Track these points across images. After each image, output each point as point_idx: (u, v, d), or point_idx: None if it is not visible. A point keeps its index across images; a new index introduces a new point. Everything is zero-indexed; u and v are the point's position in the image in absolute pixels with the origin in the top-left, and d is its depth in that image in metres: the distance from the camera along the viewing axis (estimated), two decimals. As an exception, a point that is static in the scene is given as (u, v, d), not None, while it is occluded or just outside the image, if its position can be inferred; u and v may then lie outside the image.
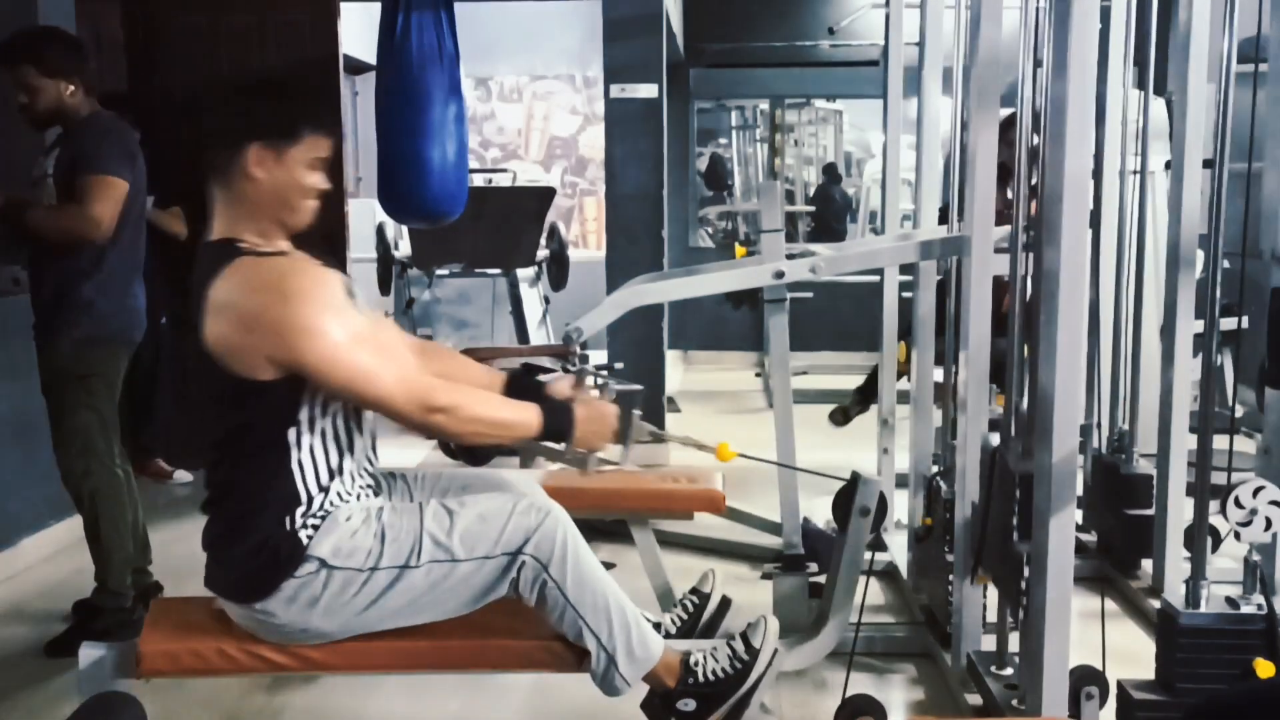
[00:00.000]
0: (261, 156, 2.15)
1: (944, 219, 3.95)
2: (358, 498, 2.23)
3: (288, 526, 2.14)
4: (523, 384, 2.47)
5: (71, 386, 3.33)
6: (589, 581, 2.19)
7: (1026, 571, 2.34)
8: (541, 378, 2.52)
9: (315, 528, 2.15)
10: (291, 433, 2.14)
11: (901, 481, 3.81)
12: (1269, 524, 2.31)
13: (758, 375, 8.13)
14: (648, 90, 5.57)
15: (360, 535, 2.15)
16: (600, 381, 2.41)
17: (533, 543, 2.16)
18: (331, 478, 2.19)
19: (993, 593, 2.85)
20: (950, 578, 2.99)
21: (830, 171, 9.60)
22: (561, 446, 2.30)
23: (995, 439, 2.70)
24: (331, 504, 2.18)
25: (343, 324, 2.09)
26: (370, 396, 2.12)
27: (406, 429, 2.20)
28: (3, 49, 3.30)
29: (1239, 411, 4.76)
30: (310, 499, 2.16)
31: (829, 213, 9.41)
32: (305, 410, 2.15)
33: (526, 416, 2.23)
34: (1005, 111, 2.83)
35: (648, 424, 2.52)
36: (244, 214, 2.19)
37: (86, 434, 3.34)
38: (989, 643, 2.83)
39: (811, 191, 9.67)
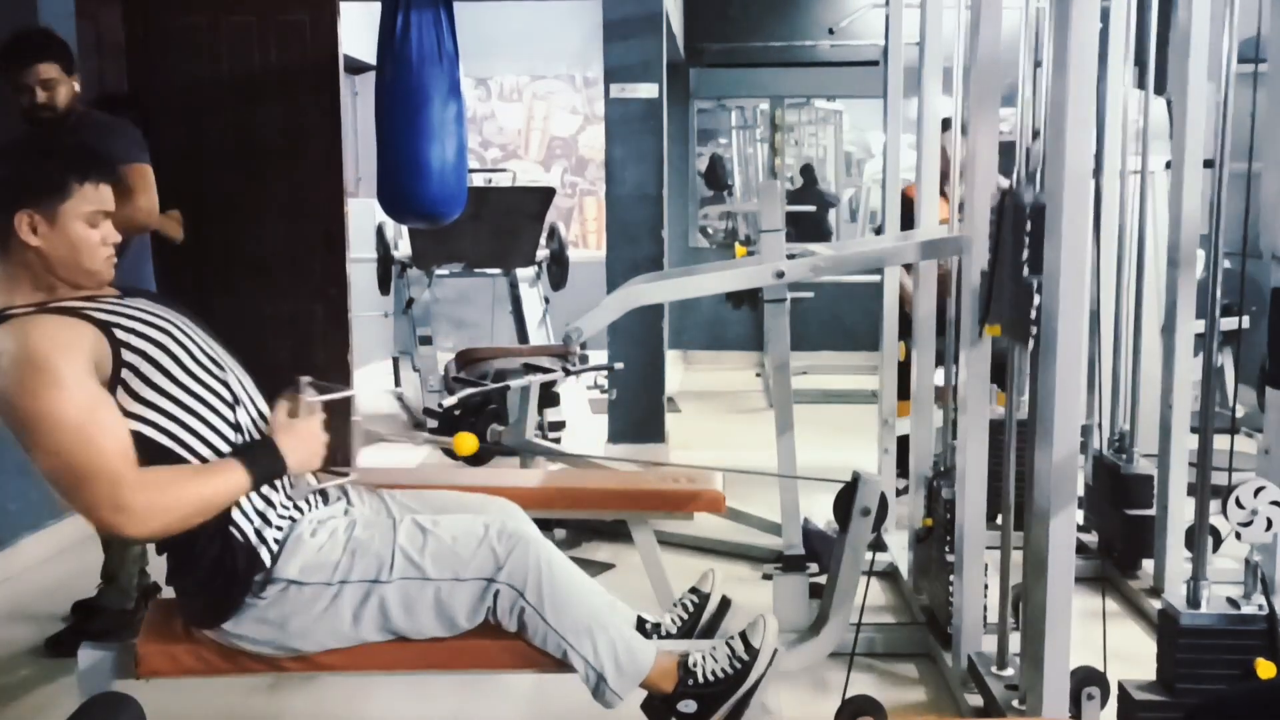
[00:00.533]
0: (32, 221, 2.05)
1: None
2: (304, 501, 2.20)
3: (238, 538, 2.09)
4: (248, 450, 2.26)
5: None
6: (568, 604, 2.17)
7: (1037, 300, 2.28)
8: (274, 410, 2.29)
9: (279, 541, 2.12)
10: (168, 451, 2.06)
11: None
12: (1270, 524, 2.30)
13: (758, 375, 8.13)
14: (648, 90, 5.56)
15: (327, 550, 2.13)
16: (304, 392, 2.27)
17: (505, 570, 2.14)
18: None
19: (994, 593, 2.85)
20: (950, 578, 2.99)
21: (808, 173, 9.60)
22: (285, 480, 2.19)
23: (1004, 181, 2.64)
24: (282, 511, 2.15)
25: (56, 412, 1.94)
26: (70, 492, 1.97)
27: (94, 524, 2.03)
28: (33, 45, 3.26)
29: (1240, 411, 4.76)
30: (245, 503, 2.11)
31: (809, 215, 9.39)
32: (153, 430, 2.04)
33: (228, 478, 2.06)
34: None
35: (371, 428, 2.45)
36: (26, 281, 2.09)
37: None
38: (989, 643, 2.83)
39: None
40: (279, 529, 2.14)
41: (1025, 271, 2.39)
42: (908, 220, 3.91)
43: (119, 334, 2.06)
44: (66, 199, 2.07)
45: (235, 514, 2.10)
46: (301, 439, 2.17)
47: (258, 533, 2.11)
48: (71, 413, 1.95)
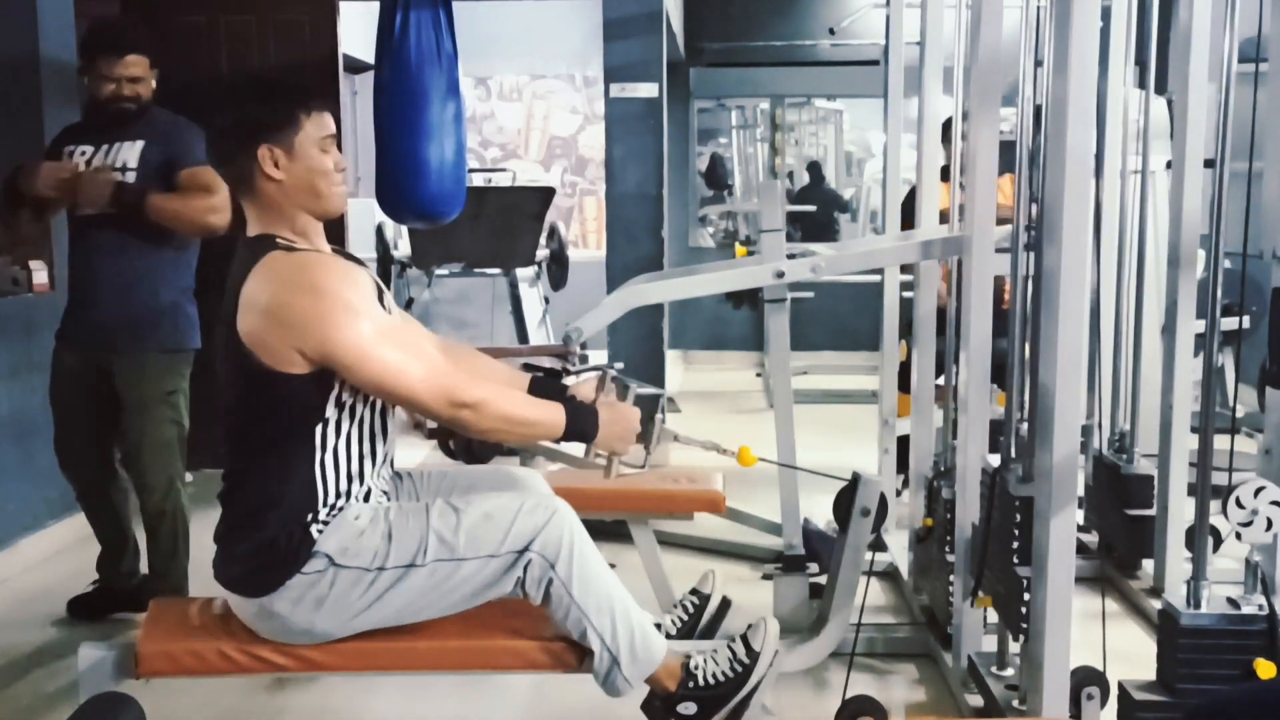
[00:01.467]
0: (273, 155, 2.16)
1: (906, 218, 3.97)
2: (369, 499, 2.24)
3: (303, 524, 2.14)
4: (546, 385, 2.46)
5: (159, 401, 3.26)
6: (594, 581, 2.19)
7: (1027, 596, 2.35)
8: (566, 380, 2.52)
9: (326, 522, 2.16)
10: (318, 432, 2.15)
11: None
12: (1270, 524, 2.30)
13: (758, 375, 8.13)
14: (648, 90, 5.57)
15: (368, 535, 2.15)
16: (622, 385, 2.40)
17: (539, 541, 2.16)
18: (351, 482, 2.20)
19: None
20: (950, 578, 2.99)
21: (815, 170, 9.61)
22: (583, 449, 2.30)
23: (995, 461, 2.70)
24: (342, 505, 2.19)
25: (371, 319, 2.11)
26: (398, 390, 2.12)
27: (434, 421, 2.22)
28: (126, 39, 3.25)
29: (1240, 411, 4.76)
30: (328, 500, 2.17)
31: (818, 212, 9.40)
32: (334, 410, 2.16)
33: (552, 416, 2.24)
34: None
35: (670, 428, 2.51)
36: (275, 214, 2.20)
37: (171, 450, 3.30)
38: (989, 643, 2.83)
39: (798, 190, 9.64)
40: (338, 510, 2.17)
41: (1015, 561, 2.46)
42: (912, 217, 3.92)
43: (380, 285, 2.25)
44: (299, 130, 2.17)
45: (320, 494, 2.16)
46: (618, 419, 2.29)
47: (317, 518, 2.15)
48: (391, 325, 2.18)
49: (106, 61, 3.20)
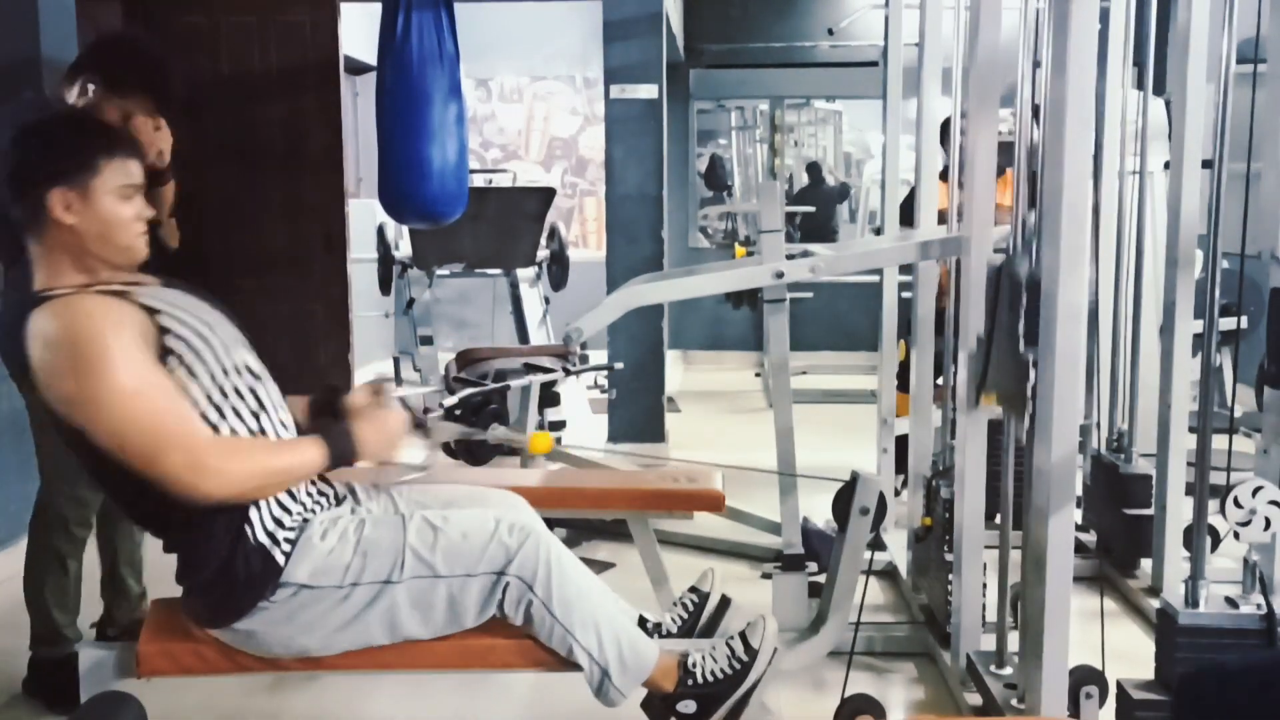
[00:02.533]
0: (65, 199, 2.07)
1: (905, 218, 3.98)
2: (322, 506, 2.20)
3: (251, 539, 2.08)
4: (324, 403, 2.38)
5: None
6: (576, 598, 2.17)
7: (1033, 377, 2.31)
8: (345, 396, 2.40)
9: (291, 542, 2.11)
10: None
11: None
12: (1268, 524, 2.31)
13: (758, 375, 8.13)
14: (648, 91, 5.57)
15: (337, 552, 2.12)
16: (391, 386, 2.34)
17: (516, 563, 2.14)
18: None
19: (992, 592, 2.86)
20: (950, 577, 2.99)
21: (814, 171, 9.61)
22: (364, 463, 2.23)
23: (999, 259, 2.66)
24: (296, 515, 2.15)
25: (125, 368, 1.97)
26: (138, 450, 1.98)
27: (176, 495, 2.00)
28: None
29: (1238, 411, 4.76)
30: (260, 504, 2.11)
31: (817, 212, 9.41)
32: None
33: (306, 454, 2.12)
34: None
35: (451, 424, 2.48)
36: (64, 261, 2.10)
37: None
38: (989, 642, 2.83)
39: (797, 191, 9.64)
40: (292, 530, 2.13)
41: (1022, 345, 2.42)
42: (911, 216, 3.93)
43: (162, 320, 2.07)
44: (96, 175, 2.08)
45: (251, 512, 2.09)
46: (378, 428, 2.21)
47: (270, 535, 2.10)
48: (133, 385, 1.97)
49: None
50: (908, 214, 3.91)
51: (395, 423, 2.26)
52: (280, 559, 2.10)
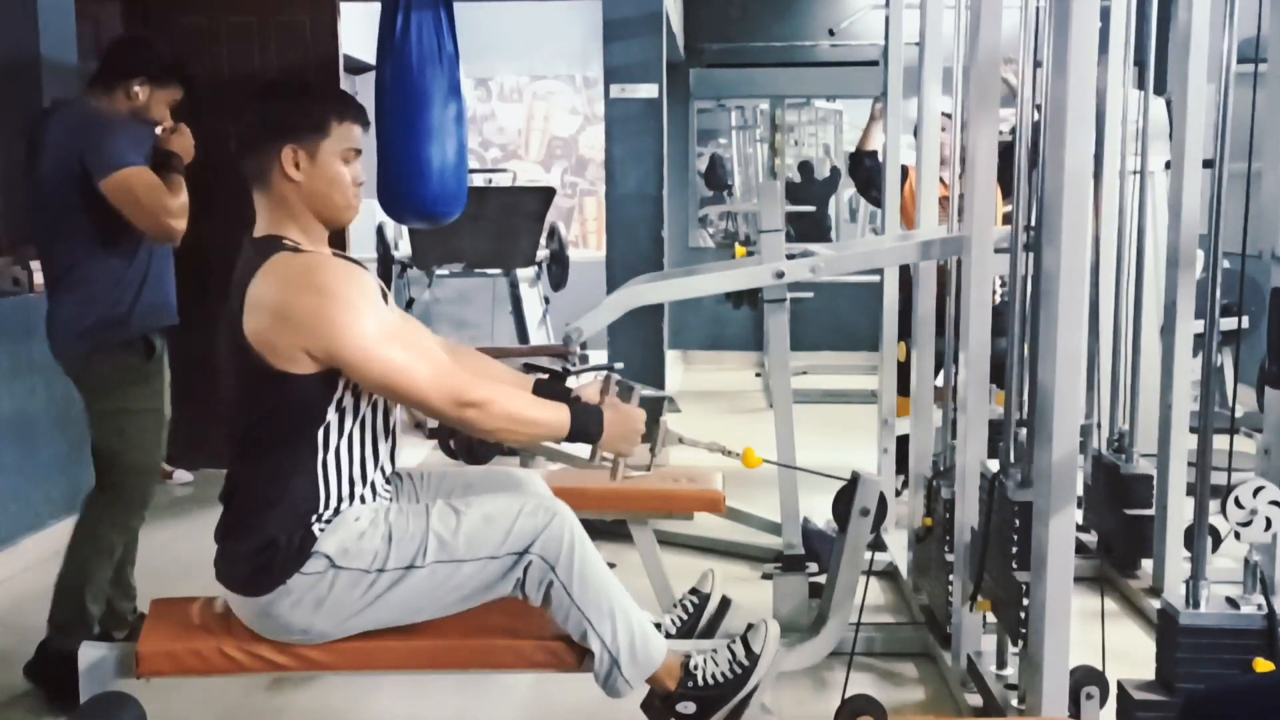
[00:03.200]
0: (295, 156, 2.17)
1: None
2: (371, 500, 2.25)
3: (304, 525, 2.14)
4: (551, 387, 2.47)
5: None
6: (595, 583, 2.19)
7: (1026, 602, 2.36)
8: (570, 382, 2.53)
9: (328, 521, 2.17)
10: (320, 433, 2.16)
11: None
12: (1269, 524, 2.31)
13: (758, 375, 8.13)
14: (648, 90, 5.57)
15: (368, 536, 2.15)
16: (626, 387, 2.41)
17: (539, 543, 2.16)
18: (354, 483, 2.21)
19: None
20: (950, 578, 2.99)
21: (805, 169, 9.62)
22: (587, 450, 2.30)
23: (994, 466, 2.70)
24: (344, 506, 2.20)
25: (377, 319, 2.12)
26: (405, 389, 2.13)
27: (440, 420, 2.23)
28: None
29: (1239, 411, 4.76)
30: (330, 501, 2.17)
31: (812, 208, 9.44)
32: (336, 411, 2.16)
33: (557, 417, 2.24)
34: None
35: (675, 429, 2.52)
36: (287, 214, 2.21)
37: None
38: (989, 643, 2.83)
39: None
40: (338, 512, 2.18)
41: (1015, 568, 2.47)
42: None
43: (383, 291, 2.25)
44: (326, 137, 2.18)
45: (320, 483, 2.16)
46: (623, 420, 2.30)
47: (319, 514, 2.15)
48: (396, 324, 2.20)
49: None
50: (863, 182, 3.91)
51: (639, 419, 2.34)
52: (317, 532, 2.15)
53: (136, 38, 3.44)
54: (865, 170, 4.99)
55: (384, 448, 2.27)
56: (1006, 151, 2.86)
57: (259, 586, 2.15)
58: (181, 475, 5.13)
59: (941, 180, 3.80)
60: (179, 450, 4.96)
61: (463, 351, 2.53)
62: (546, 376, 2.55)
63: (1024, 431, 2.59)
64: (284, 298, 2.09)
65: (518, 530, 2.16)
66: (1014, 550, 2.49)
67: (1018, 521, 2.47)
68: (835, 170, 9.55)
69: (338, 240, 5.20)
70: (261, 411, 2.16)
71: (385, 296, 2.25)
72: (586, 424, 2.26)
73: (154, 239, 3.07)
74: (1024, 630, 2.39)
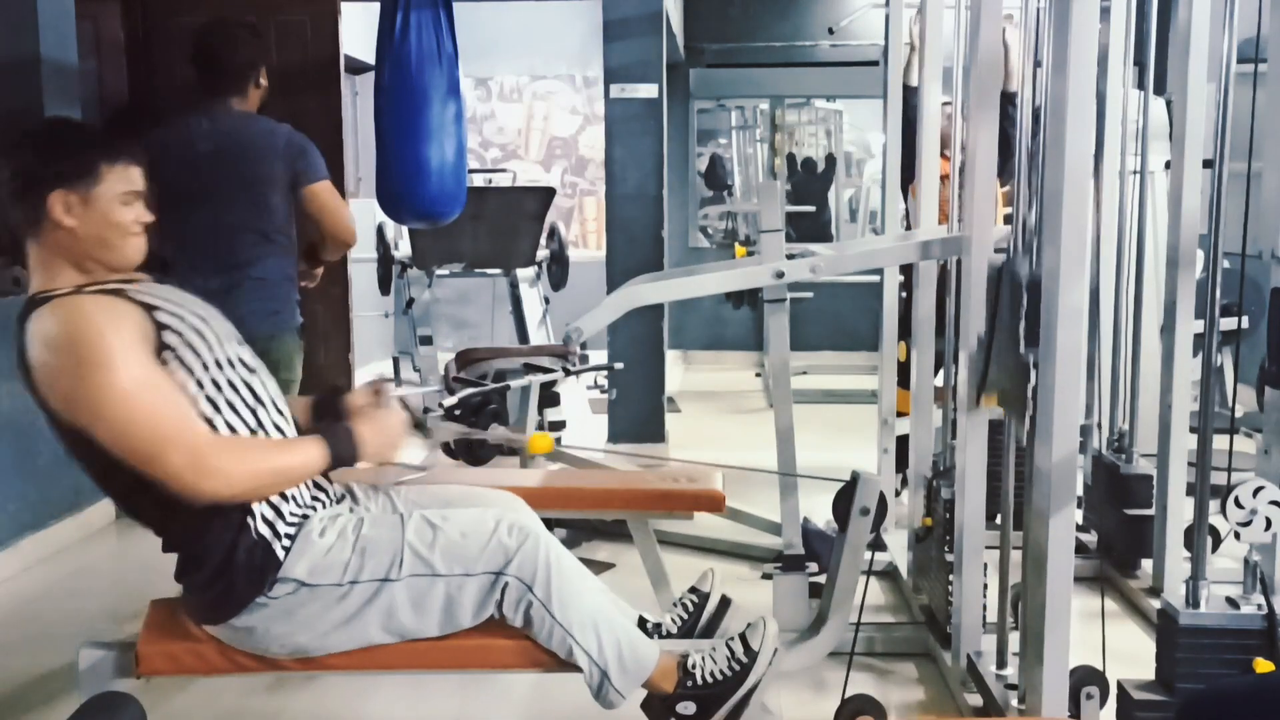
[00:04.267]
0: (67, 203, 2.07)
1: None
2: (323, 504, 2.21)
3: (251, 534, 2.09)
4: (327, 404, 2.41)
5: None
6: (575, 599, 2.17)
7: (1033, 379, 2.31)
8: (354, 393, 2.44)
9: (290, 537, 2.12)
10: None
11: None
12: (1269, 524, 2.31)
13: (758, 375, 8.13)
14: (648, 90, 5.57)
15: (336, 550, 2.12)
16: (391, 387, 2.37)
17: (515, 564, 2.14)
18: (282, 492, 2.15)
19: (993, 593, 2.85)
20: (950, 577, 2.99)
21: (808, 166, 9.62)
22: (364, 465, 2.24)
23: (1000, 259, 2.66)
24: (296, 511, 2.15)
25: (125, 369, 1.97)
26: (141, 449, 1.98)
27: (167, 497, 2.01)
28: None
29: (1239, 411, 4.76)
30: (262, 512, 2.11)
31: (810, 202, 9.42)
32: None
33: (307, 454, 2.13)
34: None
35: (453, 424, 2.49)
36: (64, 263, 2.11)
37: None
38: (989, 642, 2.83)
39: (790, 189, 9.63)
40: (292, 525, 2.14)
41: (1022, 345, 2.42)
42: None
43: (159, 316, 2.08)
44: (99, 181, 2.10)
45: (251, 507, 2.09)
46: (380, 430, 2.22)
47: (271, 527, 2.11)
48: (133, 385, 1.98)
49: None
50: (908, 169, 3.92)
51: (396, 423, 2.27)
52: (280, 553, 2.10)
53: (225, 28, 3.42)
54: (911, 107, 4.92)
55: (287, 428, 2.21)
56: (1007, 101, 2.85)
57: (222, 610, 2.11)
58: None
59: (944, 155, 3.81)
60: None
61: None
62: (324, 396, 2.46)
63: (1034, 215, 2.50)
64: (34, 361, 2.01)
65: (493, 548, 2.14)
66: (1022, 330, 2.42)
67: (1026, 301, 2.40)
68: (831, 159, 9.54)
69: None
70: (119, 466, 2.03)
71: (151, 338, 2.05)
72: (340, 446, 2.15)
73: (333, 246, 3.40)
74: (1032, 414, 2.31)
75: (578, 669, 2.19)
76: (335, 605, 2.12)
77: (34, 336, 2.02)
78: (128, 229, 2.14)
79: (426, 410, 2.50)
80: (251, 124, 3.34)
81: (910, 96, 4.40)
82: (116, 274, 2.16)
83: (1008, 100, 2.89)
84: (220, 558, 2.08)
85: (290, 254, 3.37)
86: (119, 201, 2.12)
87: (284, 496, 2.14)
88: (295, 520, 2.15)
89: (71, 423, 2.02)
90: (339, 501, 2.29)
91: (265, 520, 2.11)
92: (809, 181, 9.52)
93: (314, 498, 2.22)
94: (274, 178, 3.28)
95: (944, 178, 3.85)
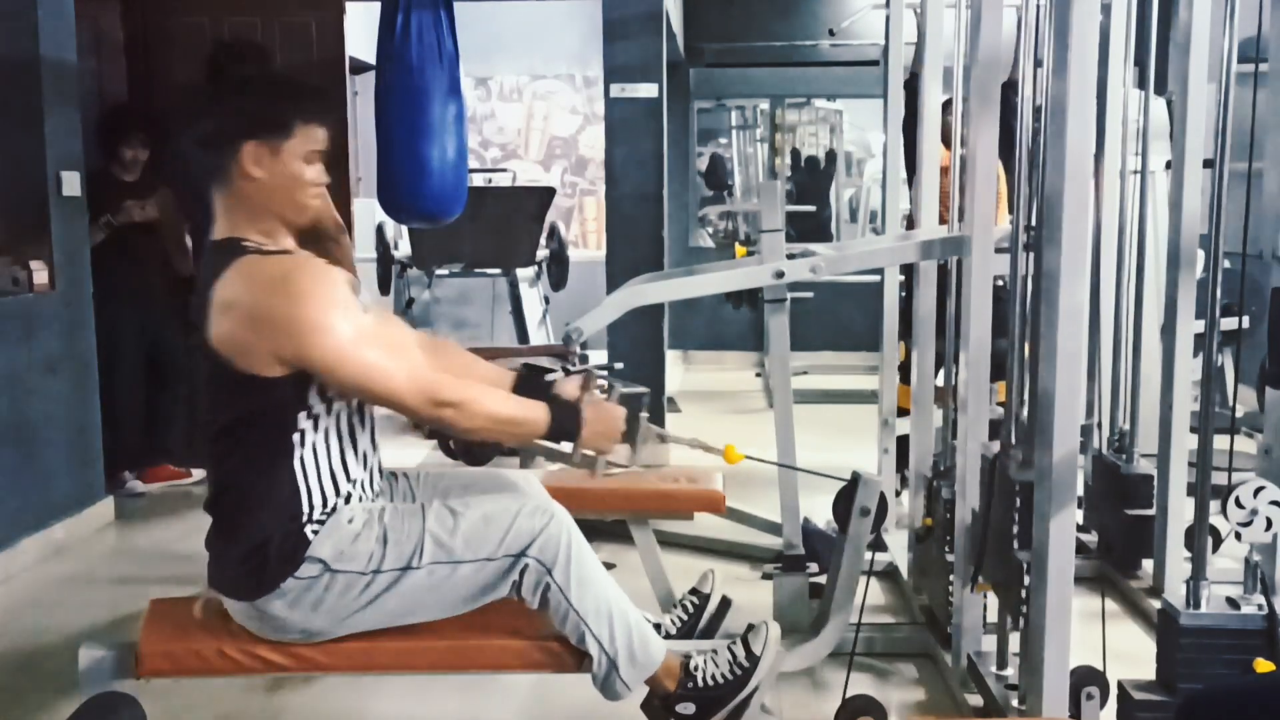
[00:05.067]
0: (257, 154, 2.13)
1: None
2: (360, 499, 2.23)
3: (293, 525, 2.13)
4: (531, 383, 2.46)
5: None
6: (592, 585, 2.18)
7: (1027, 580, 2.35)
8: (549, 378, 2.52)
9: (320, 524, 2.15)
10: (295, 434, 2.14)
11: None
12: (1269, 524, 2.31)
13: (758, 375, 8.13)
14: (648, 90, 5.56)
15: (362, 538, 2.14)
16: (607, 383, 2.41)
17: (537, 545, 2.15)
18: (335, 480, 2.19)
19: (993, 594, 2.85)
20: (950, 578, 2.99)
21: (811, 163, 9.62)
22: (568, 447, 2.30)
23: (995, 447, 2.70)
24: (335, 506, 2.18)
25: (349, 320, 2.09)
26: (379, 391, 2.11)
27: (416, 421, 2.20)
28: None
29: (1239, 411, 4.76)
30: (313, 499, 2.16)
31: (810, 200, 9.42)
32: (310, 410, 2.14)
33: (535, 414, 2.23)
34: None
35: (655, 426, 2.52)
36: (246, 214, 2.16)
37: None
38: (989, 643, 2.83)
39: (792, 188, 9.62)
40: (330, 511, 2.16)
41: (1017, 546, 2.45)
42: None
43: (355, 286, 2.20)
44: (290, 136, 2.15)
45: (308, 500, 2.14)
46: (602, 417, 2.28)
47: (310, 513, 2.14)
48: (373, 330, 2.13)
49: None
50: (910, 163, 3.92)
51: (619, 416, 2.32)
52: (310, 535, 2.13)
53: (251, 46, 4.00)
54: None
55: (362, 441, 2.25)
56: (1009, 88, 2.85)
57: (251, 589, 2.14)
58: (201, 474, 5.09)
59: (945, 143, 3.82)
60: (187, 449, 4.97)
61: (445, 348, 2.51)
62: (529, 372, 2.54)
63: (1025, 413, 2.55)
64: (252, 302, 2.06)
65: (515, 532, 2.15)
66: (1015, 531, 2.46)
67: (1019, 502, 2.44)
68: (831, 154, 9.54)
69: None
70: (234, 415, 2.14)
71: (358, 292, 2.21)
72: (565, 421, 2.25)
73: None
74: (1025, 611, 2.36)
75: (582, 660, 2.20)
76: (358, 592, 2.14)
77: (257, 279, 2.08)
78: (309, 187, 2.19)
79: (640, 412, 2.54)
80: None
81: (914, 82, 4.38)
82: (290, 231, 2.21)
83: (1010, 88, 2.88)
84: (262, 537, 2.12)
85: None
86: (304, 159, 2.17)
87: (336, 488, 2.18)
88: (336, 505, 2.18)
89: (253, 364, 2.06)
90: (377, 497, 2.31)
91: (310, 516, 2.15)
92: (810, 178, 9.52)
93: (364, 491, 2.25)
94: None
95: (944, 170, 3.85)
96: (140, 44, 5.12)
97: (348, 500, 2.20)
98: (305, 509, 2.15)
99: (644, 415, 2.48)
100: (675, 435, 2.52)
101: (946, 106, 3.88)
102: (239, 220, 2.17)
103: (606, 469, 2.40)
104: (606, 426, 2.29)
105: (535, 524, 2.16)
